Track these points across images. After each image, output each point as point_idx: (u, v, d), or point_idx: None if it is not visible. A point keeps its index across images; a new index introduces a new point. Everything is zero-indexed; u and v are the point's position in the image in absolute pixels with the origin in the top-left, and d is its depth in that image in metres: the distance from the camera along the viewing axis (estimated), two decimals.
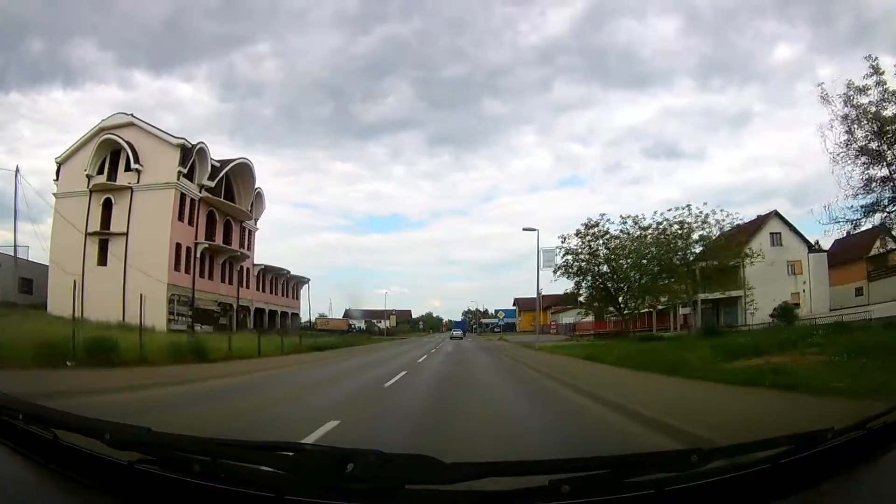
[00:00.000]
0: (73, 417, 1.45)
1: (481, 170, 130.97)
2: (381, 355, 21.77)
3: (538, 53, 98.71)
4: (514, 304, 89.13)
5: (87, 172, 31.48)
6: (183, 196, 32.61)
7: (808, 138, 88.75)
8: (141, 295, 15.62)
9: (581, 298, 34.93)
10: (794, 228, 35.51)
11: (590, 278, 30.63)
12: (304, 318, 69.20)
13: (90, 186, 31.41)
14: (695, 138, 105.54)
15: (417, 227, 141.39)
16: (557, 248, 29.64)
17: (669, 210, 28.68)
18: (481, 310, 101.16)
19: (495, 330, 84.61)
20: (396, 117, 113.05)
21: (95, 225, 31.06)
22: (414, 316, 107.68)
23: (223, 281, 37.67)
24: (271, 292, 46.95)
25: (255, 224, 43.89)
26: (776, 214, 36.21)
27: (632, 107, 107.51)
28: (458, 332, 61.80)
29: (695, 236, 28.20)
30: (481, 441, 4.86)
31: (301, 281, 53.73)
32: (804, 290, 33.69)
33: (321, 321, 71.04)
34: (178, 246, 31.89)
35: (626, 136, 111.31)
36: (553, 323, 67.28)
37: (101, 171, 31.98)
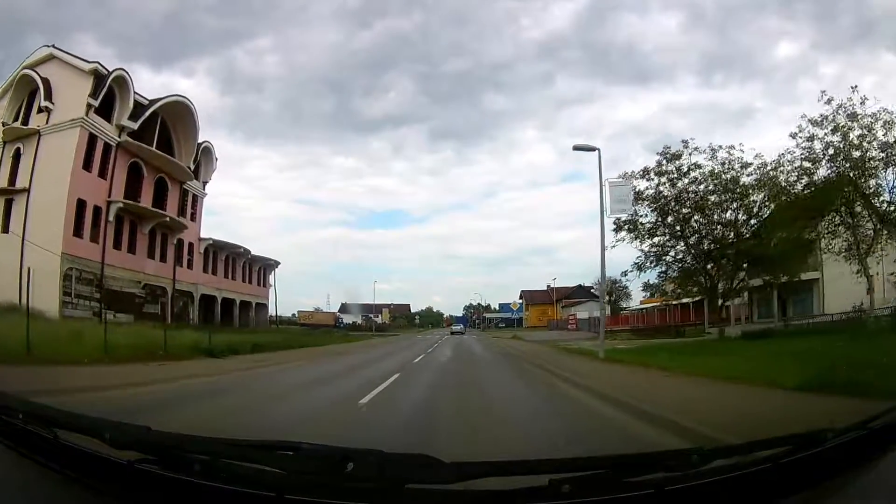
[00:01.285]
0: (74, 416, 1.72)
1: (483, 165, 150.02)
2: (316, 372, 15.07)
3: (540, 48, 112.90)
4: (520, 298, 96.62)
5: (2, 120, 30.56)
6: (93, 137, 30.19)
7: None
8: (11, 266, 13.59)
9: (593, 290, 33.73)
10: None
11: (667, 237, 24.72)
12: (291, 311, 74.58)
13: (2, 135, 30.37)
14: (697, 134, 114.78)
15: (419, 222, 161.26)
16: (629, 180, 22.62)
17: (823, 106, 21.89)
18: (483, 304, 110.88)
19: (500, 325, 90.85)
20: (398, 112, 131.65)
21: (4, 182, 29.68)
22: (414, 310, 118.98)
23: (152, 256, 35.23)
24: (226, 276, 45.10)
25: (203, 188, 42.47)
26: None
27: (634, 102, 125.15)
28: (458, 328, 71.81)
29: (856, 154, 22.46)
30: None
31: (269, 265, 52.25)
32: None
33: (304, 315, 76.58)
34: (82, 203, 29.36)
35: (628, 131, 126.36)
36: (572, 318, 68.57)
37: (17, 118, 31.01)
